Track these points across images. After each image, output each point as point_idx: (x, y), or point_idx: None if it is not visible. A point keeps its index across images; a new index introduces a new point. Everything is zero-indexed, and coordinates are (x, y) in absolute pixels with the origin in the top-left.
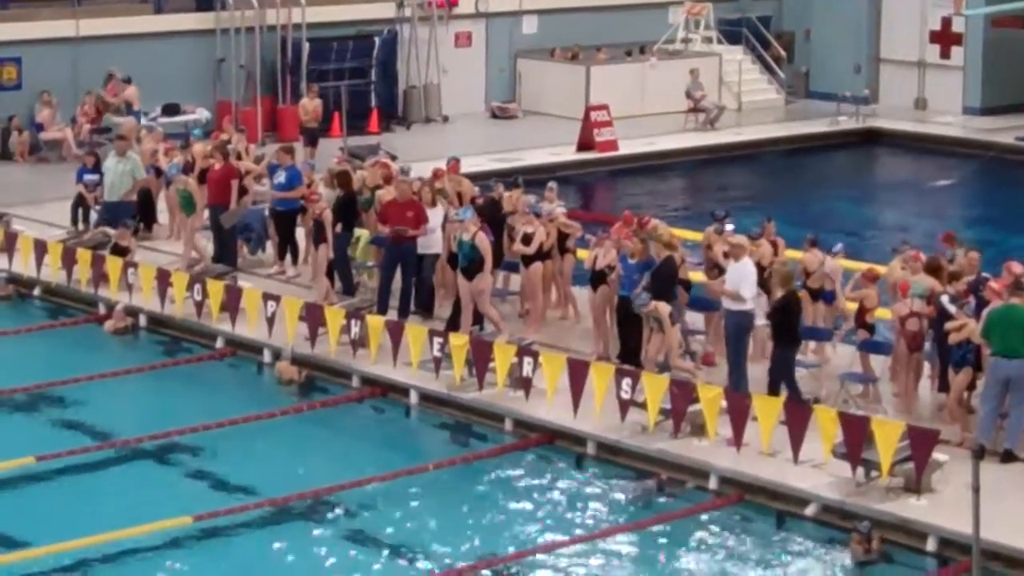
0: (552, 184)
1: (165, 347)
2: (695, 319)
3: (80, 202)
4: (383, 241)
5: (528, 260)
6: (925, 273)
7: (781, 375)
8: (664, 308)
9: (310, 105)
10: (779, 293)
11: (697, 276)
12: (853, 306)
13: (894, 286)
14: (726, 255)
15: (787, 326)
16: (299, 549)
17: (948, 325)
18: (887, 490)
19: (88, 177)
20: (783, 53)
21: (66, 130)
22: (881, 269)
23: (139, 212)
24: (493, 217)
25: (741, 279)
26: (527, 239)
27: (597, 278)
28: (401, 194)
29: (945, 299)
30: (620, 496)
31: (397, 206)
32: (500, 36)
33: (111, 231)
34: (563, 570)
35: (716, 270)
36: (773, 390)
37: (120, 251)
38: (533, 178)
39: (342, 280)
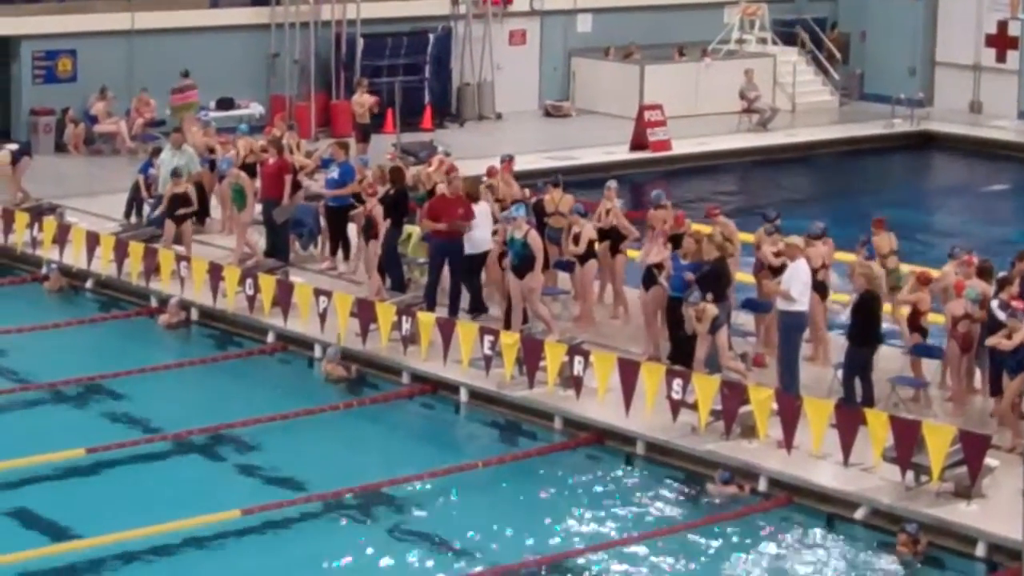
0: (611, 183)
1: (216, 341)
2: (746, 320)
3: (136, 194)
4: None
5: (580, 259)
6: (978, 277)
7: (855, 373)
8: (711, 310)
9: (364, 100)
10: (860, 292)
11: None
12: (904, 310)
13: (946, 290)
14: (777, 254)
15: (865, 325)
16: (347, 544)
17: (990, 340)
18: (937, 495)
19: (153, 171)
20: (838, 55)
21: (120, 123)
22: (934, 272)
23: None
24: (538, 217)
25: (793, 279)
26: (576, 239)
27: (649, 278)
28: (452, 191)
29: (995, 304)
30: (669, 496)
31: (447, 202)
32: (554, 34)
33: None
34: (611, 570)
35: (766, 270)
36: (848, 389)
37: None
38: (586, 178)
39: (392, 276)
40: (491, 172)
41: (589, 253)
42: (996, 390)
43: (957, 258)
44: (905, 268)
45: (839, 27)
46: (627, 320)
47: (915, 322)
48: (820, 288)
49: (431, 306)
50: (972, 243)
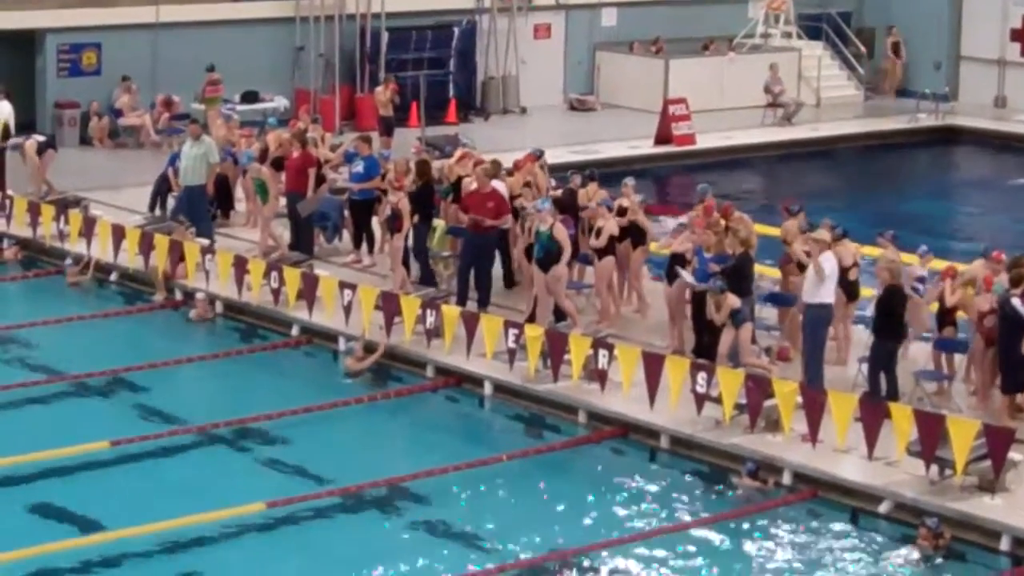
0: (628, 180)
1: (241, 334)
2: (770, 314)
3: (161, 187)
4: (461, 231)
5: (600, 254)
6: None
7: (880, 367)
8: (733, 300)
9: (382, 93)
10: (884, 287)
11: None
12: (934, 305)
13: (972, 283)
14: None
15: (890, 319)
16: (371, 537)
17: None
18: (961, 489)
19: (179, 163)
20: (863, 49)
21: (145, 116)
22: (961, 267)
23: (216, 199)
24: (571, 209)
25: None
26: (598, 232)
27: (672, 271)
28: (481, 184)
29: (1017, 303)
30: (693, 490)
31: (478, 196)
32: (579, 28)
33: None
34: (633, 563)
35: (793, 264)
36: (873, 382)
37: None
38: (610, 171)
39: (422, 270)
40: (517, 165)
41: (608, 249)
42: (1007, 386)
43: (988, 256)
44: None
45: (864, 22)
46: (644, 314)
47: (951, 316)
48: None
49: (462, 300)
50: (997, 238)
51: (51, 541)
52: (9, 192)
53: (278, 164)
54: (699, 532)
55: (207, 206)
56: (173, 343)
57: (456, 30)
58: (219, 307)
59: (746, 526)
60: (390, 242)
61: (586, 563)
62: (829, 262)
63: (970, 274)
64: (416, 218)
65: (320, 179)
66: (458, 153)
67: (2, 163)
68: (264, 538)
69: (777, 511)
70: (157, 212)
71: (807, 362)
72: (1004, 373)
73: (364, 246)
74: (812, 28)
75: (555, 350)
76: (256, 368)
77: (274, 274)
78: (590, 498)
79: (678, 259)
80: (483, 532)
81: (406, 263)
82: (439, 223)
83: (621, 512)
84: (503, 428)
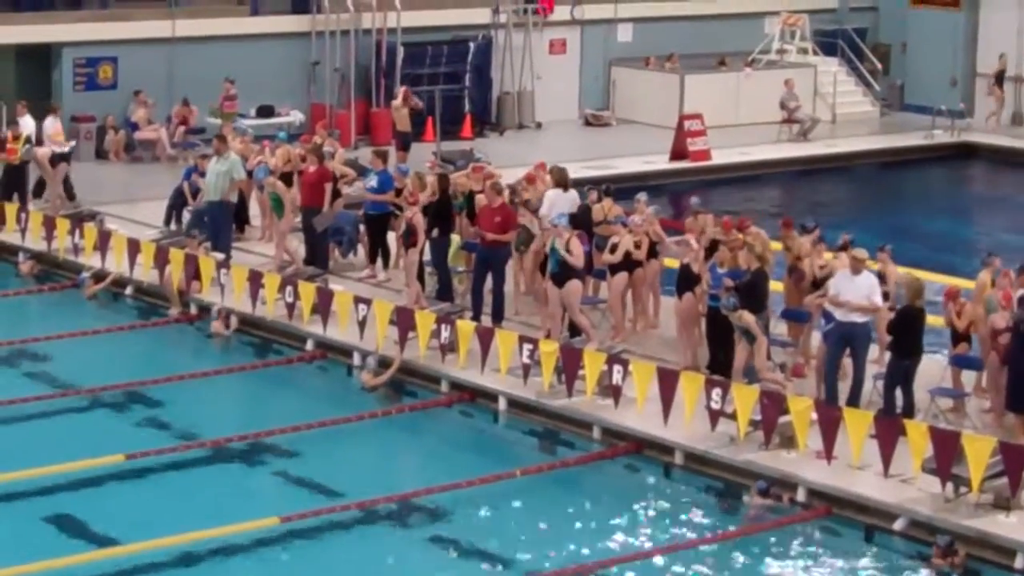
0: (641, 196)
1: (256, 348)
2: (785, 331)
3: (176, 201)
4: (475, 246)
5: (614, 269)
6: None
7: (895, 384)
8: (749, 317)
9: (400, 108)
10: (903, 304)
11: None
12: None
13: (980, 293)
14: (822, 267)
15: (907, 337)
16: (385, 552)
17: None
18: (976, 506)
19: (195, 176)
20: (879, 65)
21: (160, 130)
22: (964, 283)
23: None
24: (585, 224)
25: (871, 290)
26: (613, 248)
27: (683, 284)
28: (489, 199)
29: None
30: (707, 506)
31: (487, 210)
32: (595, 44)
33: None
34: None
35: (806, 280)
36: (888, 399)
37: None
38: (625, 186)
39: (441, 285)
40: (530, 179)
41: (622, 264)
42: (1013, 403)
43: (990, 265)
44: (947, 280)
45: (880, 38)
46: (652, 325)
47: (965, 332)
48: None
49: (476, 314)
50: (1013, 255)
51: (65, 555)
52: (29, 207)
53: (288, 179)
54: (713, 548)
55: (230, 222)
56: (188, 357)
57: (472, 45)
58: (234, 322)
59: (761, 543)
60: (405, 257)
61: None
62: (876, 286)
63: (979, 285)
64: (435, 232)
65: (335, 194)
66: (469, 168)
67: (24, 176)
68: (278, 553)
69: (792, 528)
70: (172, 226)
71: (855, 379)
72: (1013, 391)
73: (379, 261)
74: (828, 44)
75: (569, 365)
76: (270, 383)
77: (289, 288)
78: (604, 514)
79: (688, 274)
80: (496, 547)
81: (421, 278)
82: (454, 238)
83: (635, 528)
84: (517, 443)
